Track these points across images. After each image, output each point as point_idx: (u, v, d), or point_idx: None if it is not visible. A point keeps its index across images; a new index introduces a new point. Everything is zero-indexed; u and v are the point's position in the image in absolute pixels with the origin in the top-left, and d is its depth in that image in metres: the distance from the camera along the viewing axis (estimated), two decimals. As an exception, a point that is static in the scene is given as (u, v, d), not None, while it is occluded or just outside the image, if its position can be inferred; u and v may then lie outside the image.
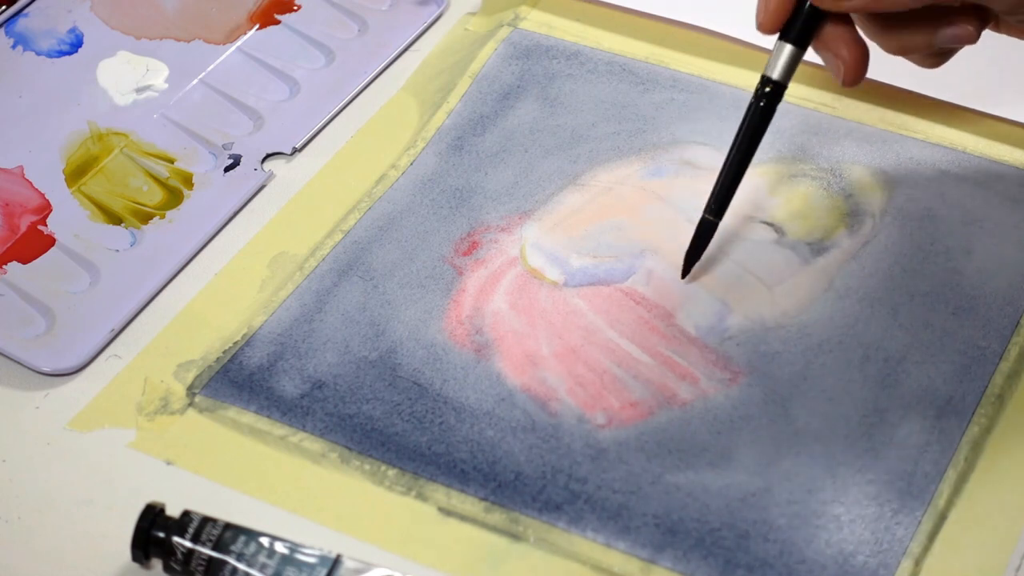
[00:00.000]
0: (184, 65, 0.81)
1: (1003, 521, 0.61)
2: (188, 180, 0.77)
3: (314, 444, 0.65)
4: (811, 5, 0.64)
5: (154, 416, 0.67)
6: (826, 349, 0.67)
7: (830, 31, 0.65)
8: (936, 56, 0.66)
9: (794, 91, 0.78)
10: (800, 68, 0.77)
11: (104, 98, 0.80)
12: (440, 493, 0.63)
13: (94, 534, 0.63)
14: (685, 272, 0.70)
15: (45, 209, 0.75)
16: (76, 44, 0.81)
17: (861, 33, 0.66)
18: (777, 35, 0.66)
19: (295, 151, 0.78)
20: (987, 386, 0.65)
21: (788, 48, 0.66)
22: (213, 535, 0.59)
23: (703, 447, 0.64)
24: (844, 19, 0.65)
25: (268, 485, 0.64)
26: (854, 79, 0.65)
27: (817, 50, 0.66)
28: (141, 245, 0.74)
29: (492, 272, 0.71)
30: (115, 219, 0.75)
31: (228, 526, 0.59)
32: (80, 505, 0.64)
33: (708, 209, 0.69)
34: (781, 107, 0.77)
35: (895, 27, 0.65)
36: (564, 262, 0.71)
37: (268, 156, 0.78)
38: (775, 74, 0.66)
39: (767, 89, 0.67)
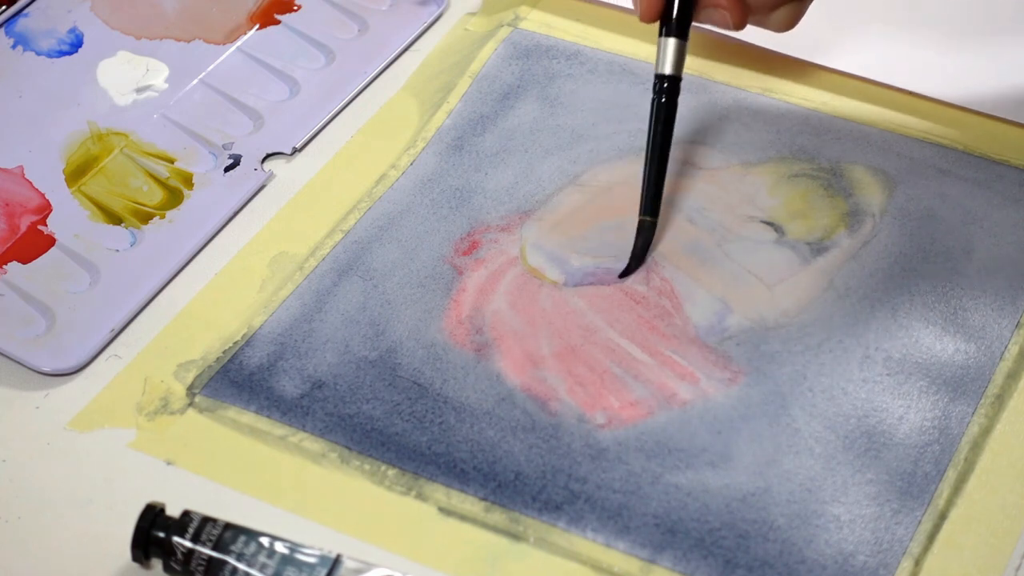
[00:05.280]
0: (184, 65, 0.81)
1: (1003, 521, 0.61)
2: (188, 180, 0.77)
3: (314, 444, 0.65)
4: None
5: (154, 416, 0.67)
6: (826, 349, 0.67)
7: None
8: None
9: (794, 91, 0.78)
10: (800, 68, 0.78)
11: (104, 98, 0.80)
12: (440, 493, 0.63)
13: (94, 534, 0.63)
14: (626, 273, 0.70)
15: (45, 209, 0.75)
16: (76, 44, 0.81)
17: None
18: (659, 31, 0.70)
19: (295, 151, 0.78)
20: (987, 386, 0.65)
21: (672, 41, 0.70)
22: (213, 535, 0.59)
23: (703, 447, 0.64)
24: None
25: (268, 485, 0.64)
26: (741, 20, 0.69)
27: (700, 20, 0.69)
28: (141, 245, 0.74)
29: (492, 272, 0.71)
30: (115, 219, 0.75)
31: (228, 526, 0.59)
32: (80, 505, 0.64)
33: (643, 210, 0.70)
34: (781, 107, 0.78)
35: None
36: (564, 262, 0.71)
37: (268, 156, 0.78)
38: (666, 70, 0.70)
39: (665, 85, 0.70)
